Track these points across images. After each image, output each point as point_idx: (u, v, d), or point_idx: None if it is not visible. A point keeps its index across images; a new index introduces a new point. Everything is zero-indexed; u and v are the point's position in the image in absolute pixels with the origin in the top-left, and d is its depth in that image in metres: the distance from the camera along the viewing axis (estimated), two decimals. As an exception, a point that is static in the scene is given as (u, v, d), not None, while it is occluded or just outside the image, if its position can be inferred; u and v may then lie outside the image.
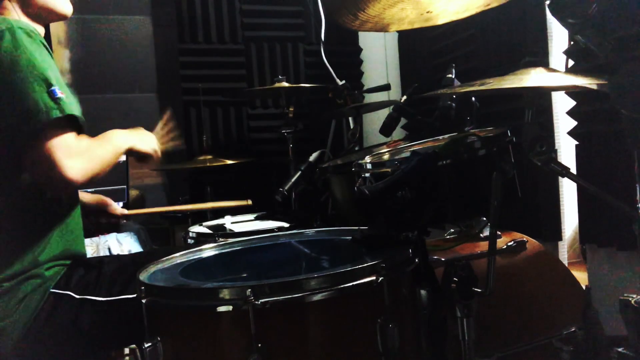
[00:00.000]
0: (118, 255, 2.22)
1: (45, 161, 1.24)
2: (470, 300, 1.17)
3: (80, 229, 1.51)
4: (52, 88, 1.27)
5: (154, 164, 1.62)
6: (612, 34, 1.06)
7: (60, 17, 1.53)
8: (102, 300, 1.37)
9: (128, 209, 1.82)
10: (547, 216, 2.44)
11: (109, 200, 1.76)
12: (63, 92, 1.29)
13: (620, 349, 1.19)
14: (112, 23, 3.27)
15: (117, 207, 1.77)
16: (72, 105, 1.30)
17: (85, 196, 1.69)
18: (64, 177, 1.24)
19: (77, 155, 1.28)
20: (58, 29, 3.13)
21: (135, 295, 1.14)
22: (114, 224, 1.77)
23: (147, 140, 1.56)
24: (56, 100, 1.26)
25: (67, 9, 1.52)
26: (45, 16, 1.51)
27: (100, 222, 1.75)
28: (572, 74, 1.26)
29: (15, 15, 1.42)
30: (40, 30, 1.49)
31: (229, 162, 2.78)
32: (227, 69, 3.44)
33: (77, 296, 1.36)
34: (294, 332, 1.02)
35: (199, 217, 2.56)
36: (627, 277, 2.08)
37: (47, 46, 1.35)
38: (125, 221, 1.80)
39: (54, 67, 1.33)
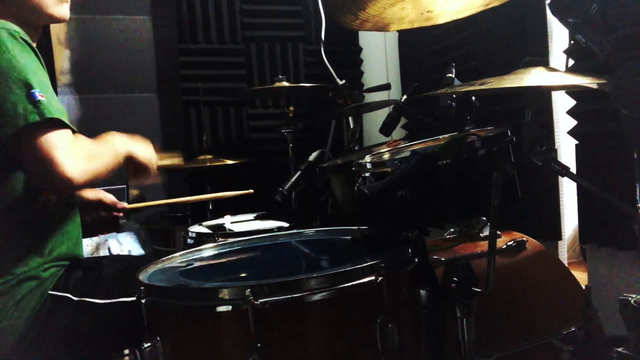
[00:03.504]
0: (117, 256, 2.22)
1: (42, 160, 1.21)
2: (470, 300, 1.16)
3: (79, 233, 1.50)
4: (32, 91, 1.23)
5: (150, 177, 1.58)
6: (612, 34, 1.06)
7: (54, 19, 1.46)
8: (100, 303, 1.35)
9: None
10: (547, 216, 2.44)
11: (109, 195, 1.73)
12: (44, 94, 1.24)
13: (620, 349, 1.19)
14: (112, 23, 3.27)
15: (117, 201, 1.74)
16: (54, 108, 1.25)
17: (85, 192, 1.68)
18: (63, 175, 1.21)
19: (76, 153, 1.25)
20: (58, 29, 3.14)
21: (134, 298, 1.13)
22: (114, 220, 1.75)
23: (145, 149, 1.53)
24: (36, 103, 1.22)
25: (59, 11, 1.45)
26: (37, 19, 1.45)
27: (100, 217, 1.72)
28: (572, 74, 1.25)
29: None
30: (36, 34, 1.45)
31: (229, 162, 2.78)
32: (227, 69, 3.44)
33: (76, 298, 1.35)
34: (293, 332, 1.02)
35: (199, 217, 2.56)
36: (627, 277, 2.07)
37: (34, 46, 1.31)
38: (123, 220, 1.79)
39: (38, 69, 1.29)
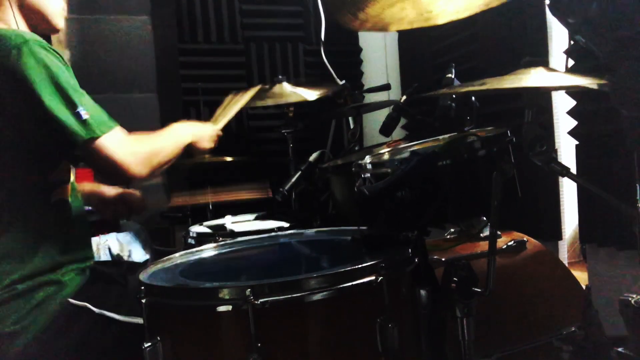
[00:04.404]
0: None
1: (104, 165, 1.30)
2: (470, 300, 1.16)
3: (89, 234, 1.51)
4: (78, 110, 1.29)
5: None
6: (612, 34, 1.06)
7: (51, 28, 1.51)
8: (119, 320, 1.34)
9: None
10: (547, 216, 2.44)
11: (129, 191, 1.73)
12: (87, 110, 1.30)
13: (620, 349, 1.19)
14: (112, 23, 3.27)
15: (139, 196, 1.74)
16: (98, 120, 1.32)
17: (105, 190, 1.69)
18: (128, 173, 1.31)
19: (133, 148, 1.33)
20: (58, 29, 3.13)
21: None
22: (132, 213, 1.75)
23: (207, 134, 1.62)
24: (83, 122, 1.29)
25: (61, 23, 1.51)
26: (37, 24, 1.48)
27: (123, 213, 1.72)
28: (572, 74, 1.26)
29: (13, 18, 1.41)
30: None
31: (229, 161, 2.78)
32: (227, 69, 3.44)
33: (96, 310, 1.34)
34: (293, 332, 1.02)
35: (199, 217, 2.56)
36: (627, 277, 2.08)
37: (60, 54, 1.35)
38: (124, 220, 1.79)
39: (73, 80, 1.35)
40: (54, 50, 1.33)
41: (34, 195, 1.35)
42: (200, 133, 1.59)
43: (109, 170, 1.32)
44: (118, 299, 1.38)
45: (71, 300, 1.34)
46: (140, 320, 1.30)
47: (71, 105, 1.29)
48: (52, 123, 1.28)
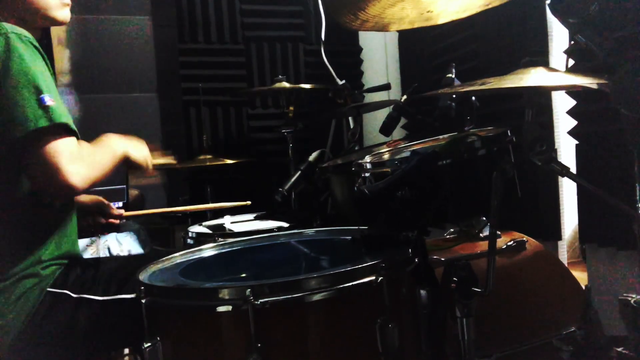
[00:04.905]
0: (115, 257, 2.23)
1: (46, 167, 1.23)
2: (470, 300, 1.16)
3: (75, 232, 1.51)
4: (42, 95, 1.25)
5: (146, 174, 1.61)
6: (612, 34, 1.06)
7: (56, 22, 1.48)
8: (99, 300, 1.36)
9: (128, 209, 1.82)
10: (547, 216, 2.44)
11: (106, 201, 1.75)
12: (54, 99, 1.26)
13: (620, 349, 1.19)
14: (112, 23, 3.27)
15: (114, 208, 1.76)
16: (62, 113, 1.27)
17: (82, 197, 1.68)
18: (66, 183, 1.24)
19: (79, 161, 1.27)
20: (58, 29, 3.13)
21: (132, 296, 1.13)
22: (112, 225, 1.77)
23: (140, 149, 1.55)
24: (45, 108, 1.24)
25: (62, 15, 1.47)
26: (41, 22, 1.47)
27: (98, 222, 1.73)
28: (572, 74, 1.25)
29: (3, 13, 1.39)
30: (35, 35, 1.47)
31: (229, 162, 2.78)
32: (227, 69, 3.44)
33: (74, 295, 1.35)
34: (293, 332, 1.02)
35: (199, 217, 2.56)
36: (627, 277, 2.08)
37: (42, 51, 1.32)
38: (124, 221, 1.79)
39: (47, 73, 1.31)
40: (36, 47, 1.31)
41: (18, 195, 1.33)
42: (134, 148, 1.53)
43: (47, 175, 1.24)
44: (93, 281, 1.39)
45: (50, 289, 1.35)
46: (117, 296, 1.34)
47: (36, 91, 1.24)
48: (13, 110, 1.23)
